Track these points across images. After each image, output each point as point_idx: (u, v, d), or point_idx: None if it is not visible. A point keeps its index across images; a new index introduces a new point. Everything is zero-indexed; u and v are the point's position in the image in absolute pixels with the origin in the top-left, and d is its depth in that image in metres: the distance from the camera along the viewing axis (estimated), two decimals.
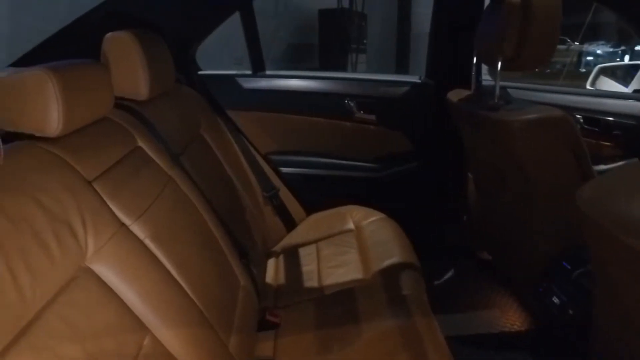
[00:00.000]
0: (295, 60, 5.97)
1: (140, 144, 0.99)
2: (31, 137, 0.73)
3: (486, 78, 1.75)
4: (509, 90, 1.79)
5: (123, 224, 0.77)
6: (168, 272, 0.81)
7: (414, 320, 1.06)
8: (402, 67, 6.44)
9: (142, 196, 0.86)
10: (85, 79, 0.79)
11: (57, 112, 0.71)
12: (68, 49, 1.18)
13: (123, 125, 0.97)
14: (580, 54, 7.61)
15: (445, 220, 1.87)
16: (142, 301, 0.71)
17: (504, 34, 1.11)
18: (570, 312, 1.09)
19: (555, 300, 1.12)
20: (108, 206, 0.76)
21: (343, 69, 5.69)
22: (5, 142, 0.70)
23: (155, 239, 0.82)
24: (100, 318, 0.63)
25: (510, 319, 1.53)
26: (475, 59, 1.41)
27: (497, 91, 1.20)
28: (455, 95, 1.43)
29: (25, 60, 1.19)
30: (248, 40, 1.77)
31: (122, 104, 1.05)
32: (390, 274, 1.27)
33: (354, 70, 5.84)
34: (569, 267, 1.12)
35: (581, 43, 7.58)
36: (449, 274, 1.80)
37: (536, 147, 1.12)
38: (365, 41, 6.26)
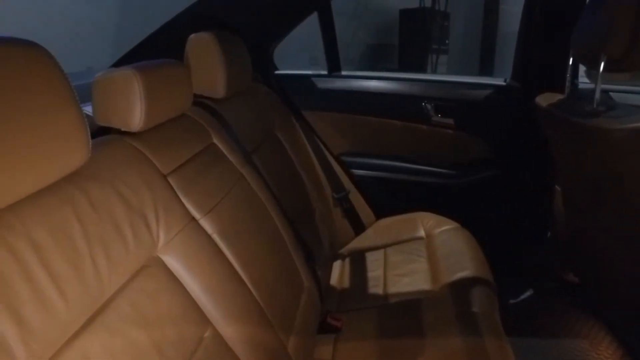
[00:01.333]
0: (373, 61, 5.92)
1: (215, 140, 1.02)
2: (118, 132, 0.79)
3: (583, 81, 1.58)
4: (611, 94, 1.60)
5: (193, 218, 0.79)
6: (233, 268, 0.82)
7: (484, 340, 0.98)
8: (486, 68, 6.12)
9: (213, 192, 0.89)
10: (167, 78, 0.83)
11: (140, 108, 0.75)
12: (158, 50, 1.26)
13: (200, 122, 1.01)
14: None
15: (525, 236, 1.72)
16: (205, 294, 0.73)
17: (610, 31, 0.98)
18: None
19: None
20: (180, 200, 0.79)
21: (422, 70, 5.54)
22: (97, 135, 0.77)
23: (223, 235, 0.84)
24: (166, 307, 0.65)
25: (602, 353, 1.35)
26: (571, 59, 1.27)
27: (598, 95, 1.07)
28: (545, 99, 1.30)
29: (123, 62, 1.29)
30: (325, 41, 1.77)
31: (200, 102, 1.10)
32: (460, 288, 1.19)
33: (434, 72, 5.66)
34: None
35: None
36: (527, 294, 1.65)
37: None
38: (447, 41, 6.04)
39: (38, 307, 0.48)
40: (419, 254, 1.42)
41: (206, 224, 0.81)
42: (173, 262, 0.71)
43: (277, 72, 1.80)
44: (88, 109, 0.73)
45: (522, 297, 1.64)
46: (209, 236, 0.80)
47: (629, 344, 1.30)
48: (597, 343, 1.39)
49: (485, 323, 1.04)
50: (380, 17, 5.84)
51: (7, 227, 0.48)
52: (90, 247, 0.57)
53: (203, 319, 0.71)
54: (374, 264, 1.45)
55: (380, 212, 1.74)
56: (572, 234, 1.42)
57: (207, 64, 1.09)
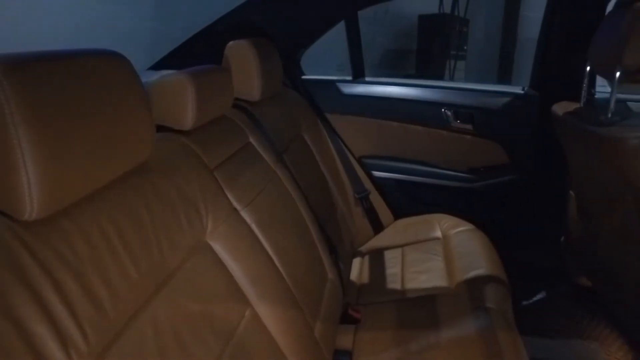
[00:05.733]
0: (391, 67, 5.97)
1: (252, 140, 1.11)
2: (170, 130, 0.88)
3: (601, 90, 1.63)
4: (629, 104, 1.64)
5: (235, 209, 0.88)
6: (268, 256, 0.90)
7: (497, 334, 1.04)
8: (504, 75, 6.10)
9: (251, 187, 0.98)
10: (215, 83, 0.93)
11: (192, 109, 0.85)
12: (196, 54, 1.35)
13: (238, 123, 1.10)
14: None
15: (539, 239, 1.77)
16: (246, 277, 0.81)
17: (626, 44, 1.04)
18: None
19: None
20: (224, 192, 0.87)
21: (440, 76, 5.56)
22: None
23: (260, 225, 0.92)
24: (214, 286, 0.74)
25: (613, 355, 1.40)
26: (588, 69, 1.32)
27: (612, 105, 1.12)
28: (561, 108, 1.36)
29: (162, 64, 1.39)
30: (351, 48, 1.85)
31: (237, 104, 1.19)
32: (475, 286, 1.25)
33: (451, 78, 5.68)
34: None
35: None
36: (540, 296, 1.70)
37: None
38: (465, 47, 6.04)
39: (121, 277, 0.57)
40: (436, 253, 1.48)
41: (246, 215, 0.90)
42: (218, 247, 0.79)
43: (304, 77, 1.89)
44: None
45: (535, 299, 1.69)
46: (248, 226, 0.89)
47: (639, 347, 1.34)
48: (607, 345, 1.43)
49: (499, 319, 1.10)
50: (399, 22, 5.87)
51: (95, 210, 0.58)
52: (155, 230, 0.65)
53: (244, 299, 0.80)
54: (392, 261, 1.52)
55: (399, 213, 1.81)
56: (584, 239, 1.47)
57: (245, 69, 1.18)
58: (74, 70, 0.53)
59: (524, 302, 1.66)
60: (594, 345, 1.44)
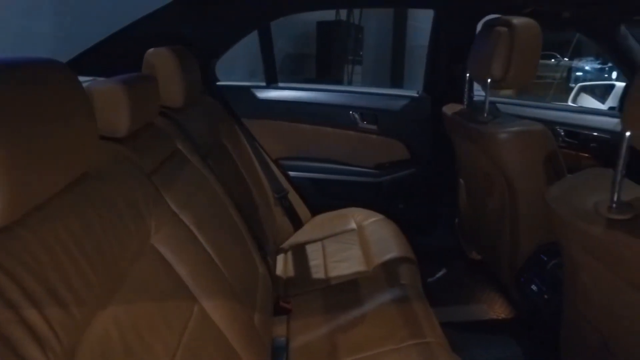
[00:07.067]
0: (292, 72, 6.09)
1: (179, 146, 1.14)
2: (102, 138, 0.88)
3: (478, 94, 1.93)
4: (498, 105, 1.98)
5: (174, 212, 0.92)
6: (208, 254, 0.95)
7: (412, 304, 1.20)
8: (396, 79, 6.61)
9: (185, 190, 1.02)
10: (144, 90, 0.95)
11: (125, 117, 0.86)
12: (112, 58, 1.32)
13: (164, 130, 1.13)
14: (570, 70, 7.86)
15: (438, 223, 2.03)
16: (190, 276, 0.86)
17: (492, 57, 1.28)
18: (546, 296, 1.25)
19: (534, 288, 1.28)
20: (162, 196, 0.91)
21: (339, 80, 5.82)
22: None
23: (197, 226, 0.97)
24: (164, 285, 0.77)
25: (497, 310, 1.70)
26: (467, 77, 1.57)
27: (487, 106, 1.37)
28: (449, 109, 1.59)
29: (75, 64, 1.33)
30: (264, 55, 1.94)
31: (162, 111, 1.20)
32: (389, 267, 1.41)
33: (350, 82, 6.00)
34: (545, 259, 1.29)
35: (570, 59, 7.84)
36: (441, 273, 1.95)
37: (519, 157, 1.28)
38: (361, 53, 6.41)
39: (81, 280, 0.59)
40: (353, 243, 1.62)
41: (184, 217, 0.94)
42: (163, 249, 0.82)
43: (218, 83, 1.93)
44: None
45: (437, 275, 1.94)
46: (187, 227, 0.93)
47: (516, 302, 1.63)
48: (494, 305, 1.73)
49: (413, 292, 1.27)
50: (298, 28, 6.03)
51: (49, 218, 0.59)
52: (106, 235, 0.68)
53: (191, 296, 0.84)
54: (314, 254, 1.63)
55: (316, 210, 1.94)
56: (473, 219, 1.73)
57: (167, 76, 1.20)
58: (18, 78, 0.54)
59: (429, 280, 1.90)
60: (484, 307, 1.72)
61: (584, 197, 0.76)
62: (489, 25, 1.35)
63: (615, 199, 0.71)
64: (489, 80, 1.32)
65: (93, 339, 0.57)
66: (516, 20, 1.24)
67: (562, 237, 0.81)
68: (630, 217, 0.69)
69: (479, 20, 1.73)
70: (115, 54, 1.35)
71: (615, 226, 0.69)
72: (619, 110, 1.99)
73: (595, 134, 1.75)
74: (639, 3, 1.44)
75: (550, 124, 1.68)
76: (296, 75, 6.00)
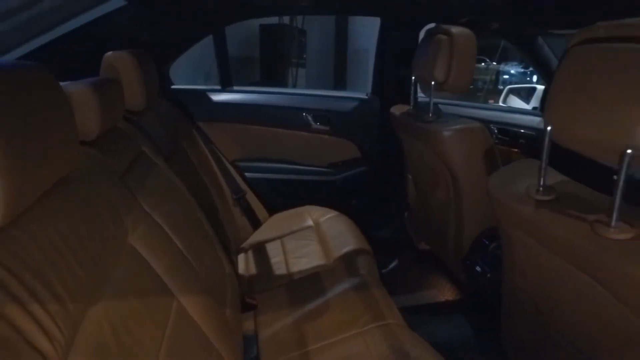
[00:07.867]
0: (236, 75, 6.01)
1: (144, 149, 1.15)
2: None
3: (422, 95, 2.08)
4: (440, 106, 2.14)
5: (147, 212, 0.94)
6: (182, 252, 0.98)
7: (371, 290, 1.30)
8: (339, 81, 6.76)
9: (155, 191, 1.04)
10: (111, 94, 0.96)
11: (96, 120, 0.88)
12: (66, 56, 1.28)
13: (128, 133, 1.13)
14: (498, 73, 8.44)
15: (389, 217, 2.16)
16: (167, 273, 0.88)
17: (435, 62, 1.41)
18: (489, 275, 1.40)
19: (478, 269, 1.42)
20: (135, 197, 0.92)
21: (283, 83, 5.86)
22: None
23: (169, 226, 0.99)
24: (145, 283, 0.80)
25: (446, 294, 1.85)
26: (413, 79, 1.70)
27: (431, 107, 1.49)
28: (397, 109, 1.71)
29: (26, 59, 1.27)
30: (219, 59, 1.96)
31: (124, 115, 1.21)
32: (348, 259, 1.50)
33: (294, 84, 6.06)
34: (487, 242, 1.44)
35: (498, 63, 8.44)
36: (394, 264, 2.08)
37: (462, 152, 1.41)
38: (304, 56, 6.48)
39: (72, 276, 0.61)
40: (311, 239, 1.69)
41: (156, 217, 0.96)
42: (140, 248, 0.85)
43: (173, 87, 1.92)
44: None
45: (390, 267, 2.06)
46: (160, 226, 0.95)
47: (462, 285, 1.79)
48: (442, 288, 1.87)
49: (371, 280, 1.36)
50: (241, 31, 5.98)
51: (39, 218, 0.61)
52: (90, 234, 0.70)
53: (169, 293, 0.87)
54: (274, 251, 1.68)
55: (273, 209, 1.99)
56: (421, 212, 1.87)
57: (127, 79, 1.21)
58: (5, 82, 0.55)
59: (383, 271, 2.01)
60: (435, 291, 1.86)
61: (517, 184, 0.89)
62: (430, 33, 1.47)
63: (541, 183, 0.84)
64: (432, 83, 1.44)
65: (88, 333, 0.60)
66: (455, 30, 1.37)
67: (501, 219, 0.94)
68: (553, 198, 0.83)
69: (421, 28, 1.88)
70: (72, 53, 1.32)
71: (542, 206, 0.83)
72: (541, 110, 2.24)
73: (522, 131, 1.95)
74: (551, 19, 1.65)
75: (486, 122, 1.85)
76: (241, 79, 5.95)
